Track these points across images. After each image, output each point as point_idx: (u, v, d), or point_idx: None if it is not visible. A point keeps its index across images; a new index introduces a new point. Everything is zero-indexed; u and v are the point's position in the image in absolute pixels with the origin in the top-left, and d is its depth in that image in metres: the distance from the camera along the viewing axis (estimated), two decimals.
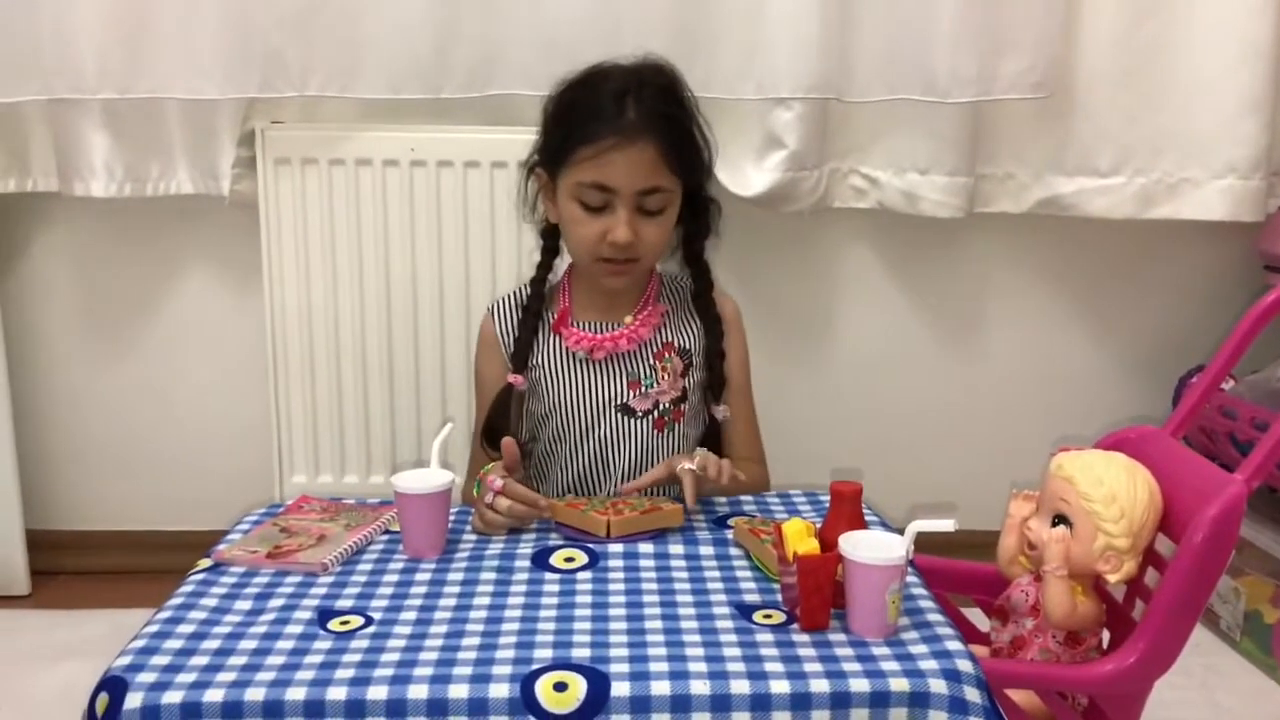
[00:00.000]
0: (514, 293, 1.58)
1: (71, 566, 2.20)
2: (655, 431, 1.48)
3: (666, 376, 1.49)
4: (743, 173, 1.96)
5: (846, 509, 1.09)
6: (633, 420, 1.48)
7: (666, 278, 1.55)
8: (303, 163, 1.93)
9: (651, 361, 1.49)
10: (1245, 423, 1.80)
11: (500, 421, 1.53)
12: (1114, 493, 1.21)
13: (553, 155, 1.45)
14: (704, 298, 1.53)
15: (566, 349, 1.50)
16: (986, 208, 2.04)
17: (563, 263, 1.55)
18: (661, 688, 0.92)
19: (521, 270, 1.95)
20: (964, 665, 0.96)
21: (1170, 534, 1.24)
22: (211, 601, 1.10)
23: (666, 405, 1.49)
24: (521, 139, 1.88)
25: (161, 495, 2.21)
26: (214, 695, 0.91)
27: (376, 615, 1.07)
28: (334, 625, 1.05)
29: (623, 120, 1.38)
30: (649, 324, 1.49)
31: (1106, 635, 1.30)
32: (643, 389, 1.48)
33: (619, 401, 1.48)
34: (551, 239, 1.54)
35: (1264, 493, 1.89)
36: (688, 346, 1.51)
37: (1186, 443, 1.37)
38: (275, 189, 1.94)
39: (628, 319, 1.48)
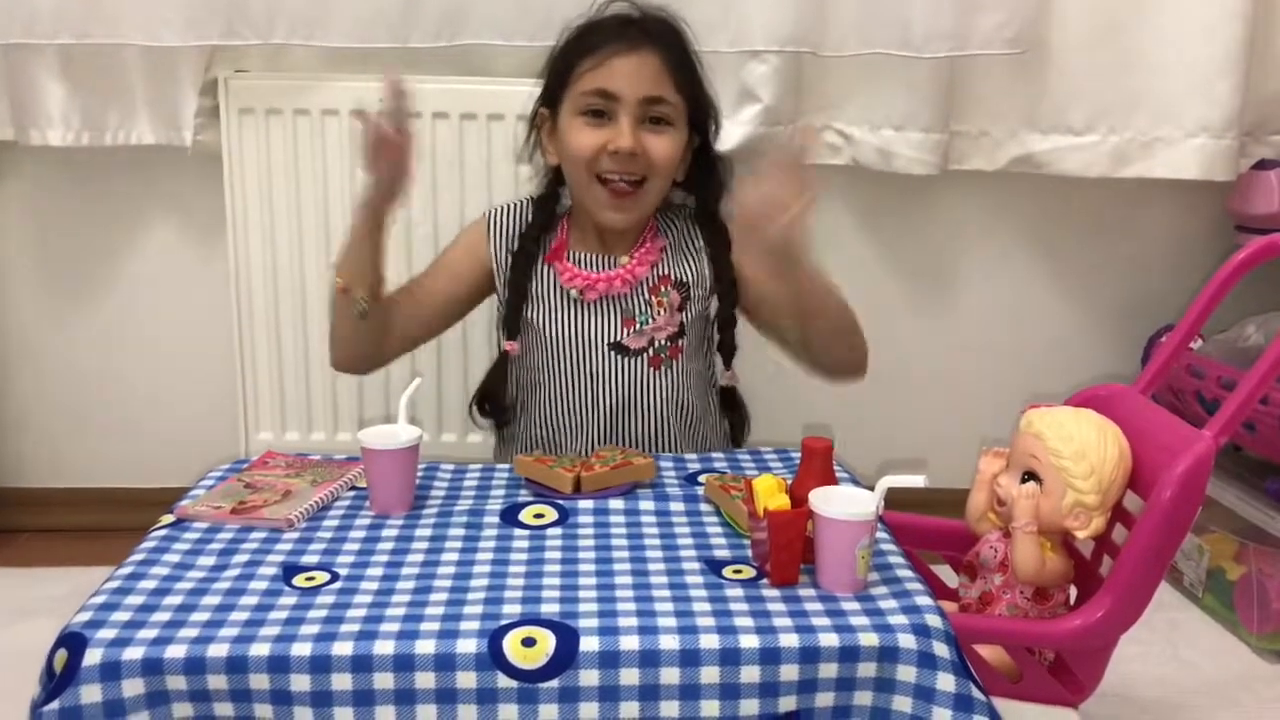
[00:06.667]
0: (514, 205, 1.53)
1: (31, 525, 2.16)
2: (651, 370, 1.45)
3: (663, 311, 1.45)
4: None
5: (817, 465, 1.09)
6: (626, 358, 1.45)
7: (665, 207, 1.51)
8: (267, 113, 1.89)
9: (647, 296, 1.45)
10: (1212, 381, 1.81)
11: (498, 388, 1.50)
12: (1083, 449, 1.22)
13: (553, 86, 1.43)
14: (722, 259, 1.48)
15: (559, 283, 1.47)
16: (960, 165, 2.03)
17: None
18: (630, 643, 0.92)
19: None
20: (933, 620, 0.97)
21: (1139, 491, 1.24)
22: (174, 557, 1.08)
23: (663, 342, 1.45)
24: (491, 90, 1.87)
25: (123, 452, 2.18)
26: (176, 651, 0.90)
27: (343, 571, 1.06)
28: (299, 581, 1.03)
29: (627, 31, 1.39)
30: (646, 262, 1.46)
31: (1074, 591, 1.31)
32: (638, 326, 1.44)
33: (612, 339, 1.45)
34: (551, 202, 1.51)
35: (1229, 450, 1.90)
36: (685, 279, 1.47)
37: (1155, 401, 1.38)
38: (239, 139, 1.90)
39: (624, 259, 1.45)
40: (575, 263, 1.47)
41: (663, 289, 1.45)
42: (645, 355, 1.45)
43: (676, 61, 1.41)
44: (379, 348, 1.46)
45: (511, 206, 1.53)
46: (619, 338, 1.45)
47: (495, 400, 1.51)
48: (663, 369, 1.45)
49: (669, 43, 1.42)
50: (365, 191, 1.34)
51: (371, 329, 1.40)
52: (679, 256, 1.48)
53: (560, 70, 1.42)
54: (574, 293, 1.45)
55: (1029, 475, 1.25)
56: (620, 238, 1.47)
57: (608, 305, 1.45)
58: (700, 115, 1.46)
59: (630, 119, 1.38)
